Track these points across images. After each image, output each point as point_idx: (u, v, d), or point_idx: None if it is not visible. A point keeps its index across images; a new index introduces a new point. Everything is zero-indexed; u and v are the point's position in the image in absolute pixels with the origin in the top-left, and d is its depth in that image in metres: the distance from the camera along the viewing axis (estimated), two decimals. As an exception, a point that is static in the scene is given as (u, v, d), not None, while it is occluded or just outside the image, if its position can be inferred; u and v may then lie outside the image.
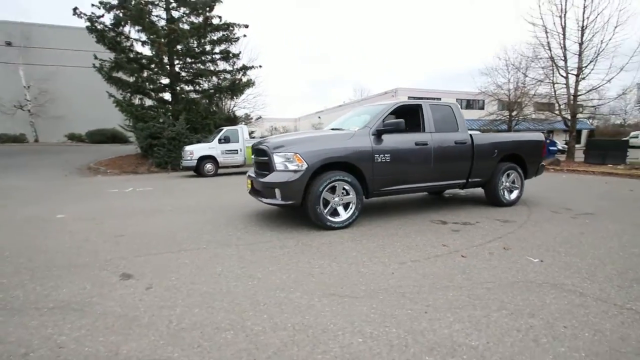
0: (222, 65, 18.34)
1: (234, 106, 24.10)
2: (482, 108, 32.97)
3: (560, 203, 5.71)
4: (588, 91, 15.73)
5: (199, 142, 15.13)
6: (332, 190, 4.09)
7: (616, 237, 3.74)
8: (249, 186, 4.54)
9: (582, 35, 14.61)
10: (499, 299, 2.32)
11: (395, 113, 4.69)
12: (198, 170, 11.82)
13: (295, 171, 3.92)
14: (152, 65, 16.61)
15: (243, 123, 20.07)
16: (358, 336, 1.88)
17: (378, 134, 4.38)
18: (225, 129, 12.56)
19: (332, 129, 5.03)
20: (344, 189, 4.13)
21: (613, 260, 3.01)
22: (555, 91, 16.63)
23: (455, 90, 31.57)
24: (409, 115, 4.99)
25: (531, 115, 24.11)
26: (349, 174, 4.13)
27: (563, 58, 15.20)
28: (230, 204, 6.00)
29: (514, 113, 24.61)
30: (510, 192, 5.54)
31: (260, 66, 19.06)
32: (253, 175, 4.83)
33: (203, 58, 17.47)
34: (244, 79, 18.10)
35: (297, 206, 4.01)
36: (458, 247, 3.42)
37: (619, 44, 14.00)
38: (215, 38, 17.53)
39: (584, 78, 15.15)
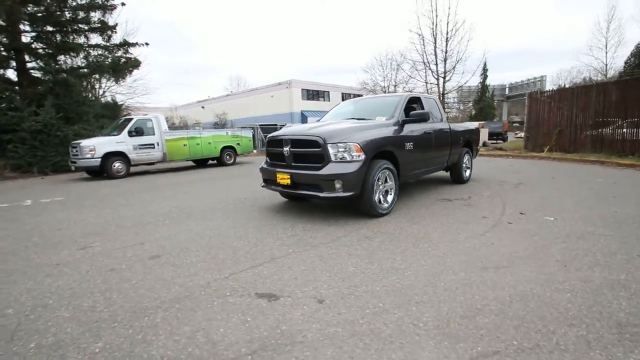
0: (93, 39, 14.77)
1: (104, 92, 19.75)
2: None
3: (490, 178, 7.39)
4: (450, 91, 20.13)
5: (77, 135, 12.06)
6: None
7: (565, 196, 5.27)
8: (287, 181, 4.14)
9: (447, 45, 18.51)
10: (583, 247, 3.06)
11: (407, 104, 5.11)
12: (103, 170, 9.40)
13: (354, 161, 3.86)
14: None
15: (128, 113, 16.77)
16: (560, 293, 2.24)
17: (402, 124, 4.71)
18: (135, 119, 10.30)
19: (351, 119, 5.05)
20: (385, 176, 4.32)
21: (588, 211, 4.30)
22: (428, 90, 20.53)
23: (341, 84, 34.57)
24: (408, 107, 5.50)
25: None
26: (389, 162, 4.33)
27: (435, 63, 18.93)
28: (230, 204, 5.24)
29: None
30: (466, 171, 6.84)
31: (146, 44, 16.19)
32: (267, 167, 4.51)
33: (69, 28, 13.54)
34: (132, 58, 15.08)
35: (355, 197, 3.97)
36: (495, 217, 4.16)
37: (470, 55, 18.44)
38: (83, 3, 13.86)
39: (448, 80, 19.30)
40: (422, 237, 3.47)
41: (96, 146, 9.25)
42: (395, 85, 30.44)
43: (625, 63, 29.19)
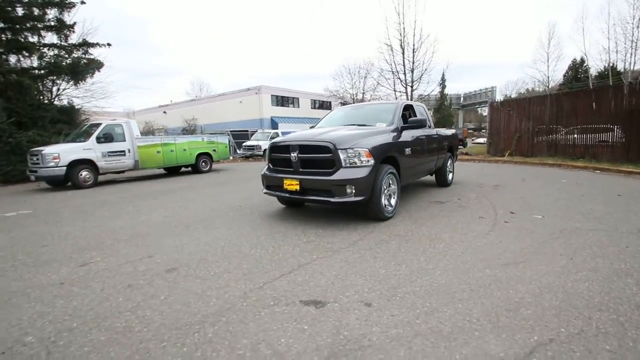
0: (49, 38, 13.64)
1: (57, 94, 18.17)
2: (330, 108, 38.07)
3: (468, 181, 7.88)
4: (417, 99, 21.14)
5: (31, 141, 11.04)
6: (381, 183, 4.32)
7: (541, 196, 5.76)
8: (296, 187, 4.10)
9: (414, 56, 19.49)
10: (578, 241, 3.39)
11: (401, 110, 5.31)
12: (67, 180, 8.63)
13: (364, 166, 3.94)
14: None
15: (86, 118, 15.60)
16: (578, 282, 2.47)
17: (401, 130, 4.90)
18: (104, 124, 9.57)
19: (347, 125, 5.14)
20: (389, 181, 4.45)
21: (567, 209, 4.75)
22: (397, 97, 21.39)
23: (310, 91, 34.82)
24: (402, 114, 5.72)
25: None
26: (392, 167, 4.47)
27: (404, 72, 19.82)
28: (226, 212, 5.06)
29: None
30: (449, 174, 7.23)
31: (108, 44, 15.20)
32: (270, 173, 4.49)
33: (21, 25, 12.34)
34: (94, 59, 14.09)
35: (365, 201, 4.04)
36: (491, 218, 4.45)
37: (434, 66, 19.56)
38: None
39: (415, 89, 20.28)
40: (435, 238, 3.62)
41: (60, 154, 8.47)
42: (363, 93, 31.38)
43: (564, 76, 32.67)
